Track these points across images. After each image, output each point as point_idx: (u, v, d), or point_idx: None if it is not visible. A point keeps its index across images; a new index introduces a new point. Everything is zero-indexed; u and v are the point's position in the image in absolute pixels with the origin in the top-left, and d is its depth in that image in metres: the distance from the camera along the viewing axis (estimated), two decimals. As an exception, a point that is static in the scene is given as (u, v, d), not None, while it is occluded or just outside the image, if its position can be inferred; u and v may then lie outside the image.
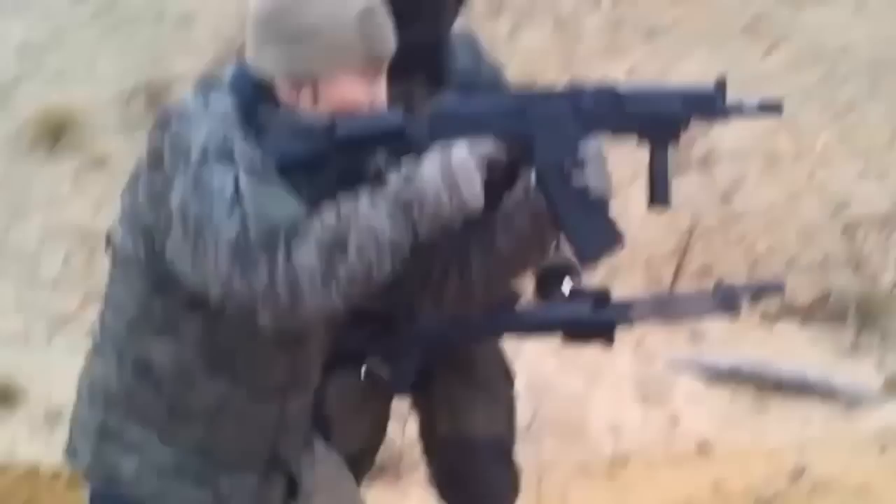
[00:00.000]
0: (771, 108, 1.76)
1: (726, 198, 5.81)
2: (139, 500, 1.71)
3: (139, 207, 1.62)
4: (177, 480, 1.70)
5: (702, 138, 5.91)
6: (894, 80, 6.16)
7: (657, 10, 6.77)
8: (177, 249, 1.56)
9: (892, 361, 5.09)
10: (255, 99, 1.63)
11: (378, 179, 1.58)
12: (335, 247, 1.49)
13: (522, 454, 2.35)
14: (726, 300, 2.16)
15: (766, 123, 6.02)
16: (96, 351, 1.76)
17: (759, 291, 2.30)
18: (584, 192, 1.63)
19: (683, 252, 5.42)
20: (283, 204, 1.53)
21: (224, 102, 1.61)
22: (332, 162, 1.61)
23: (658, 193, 1.73)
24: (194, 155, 1.53)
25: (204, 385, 1.68)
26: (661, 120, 1.69)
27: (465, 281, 1.75)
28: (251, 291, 1.48)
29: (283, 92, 1.64)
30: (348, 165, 1.62)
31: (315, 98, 1.62)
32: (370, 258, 1.51)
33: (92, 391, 1.75)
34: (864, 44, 6.35)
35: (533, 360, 4.75)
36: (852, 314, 5.23)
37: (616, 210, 1.71)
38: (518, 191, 1.70)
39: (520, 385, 4.58)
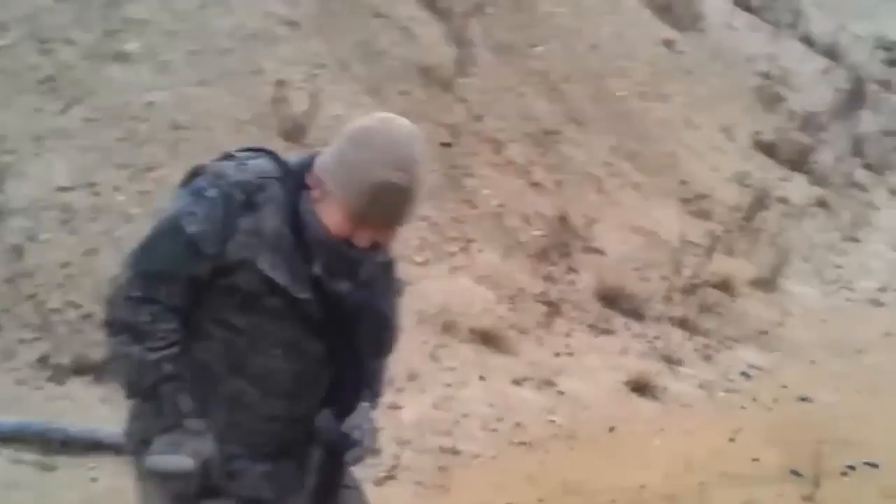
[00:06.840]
0: None
1: (17, 253, 5.34)
2: None
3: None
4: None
5: (-4, 194, 5.44)
6: (193, 143, 6.20)
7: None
8: None
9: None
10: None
11: None
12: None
13: None
14: None
15: (60, 179, 5.71)
16: None
17: None
18: None
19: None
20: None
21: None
22: None
23: None
24: None
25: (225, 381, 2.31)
26: None
27: None
28: None
29: (317, 187, 2.22)
30: None
31: (328, 207, 2.19)
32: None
33: None
34: (165, 105, 6.34)
35: None
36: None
37: None
38: None
39: None
